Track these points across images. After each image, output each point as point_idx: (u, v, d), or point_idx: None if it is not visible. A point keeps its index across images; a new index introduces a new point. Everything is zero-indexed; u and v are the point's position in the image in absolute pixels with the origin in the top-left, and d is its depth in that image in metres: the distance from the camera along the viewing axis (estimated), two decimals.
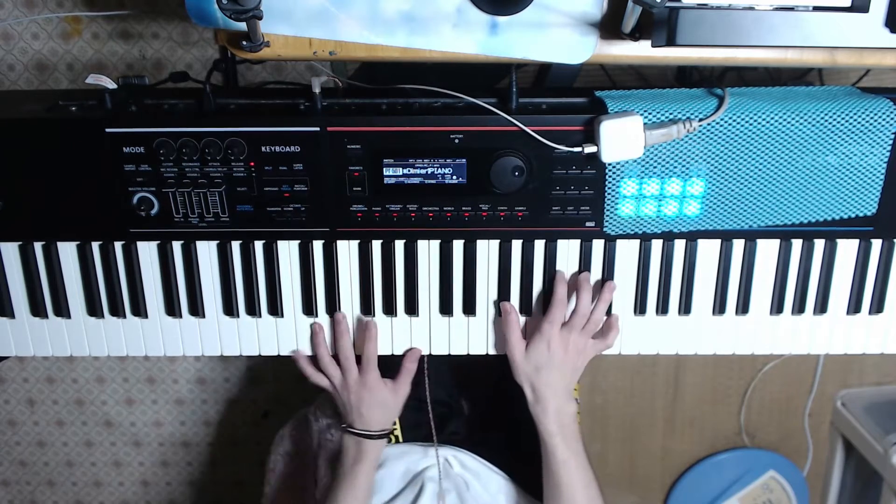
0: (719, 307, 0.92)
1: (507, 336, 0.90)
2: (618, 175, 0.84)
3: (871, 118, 0.81)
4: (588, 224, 0.87)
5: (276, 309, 0.91)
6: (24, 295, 0.92)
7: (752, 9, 0.68)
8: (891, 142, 0.83)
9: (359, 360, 0.94)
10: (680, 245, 0.89)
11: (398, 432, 1.12)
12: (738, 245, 0.89)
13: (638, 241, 0.89)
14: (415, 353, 0.94)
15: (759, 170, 0.83)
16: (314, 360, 0.95)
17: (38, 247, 0.90)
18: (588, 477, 0.91)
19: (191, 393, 1.86)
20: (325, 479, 1.17)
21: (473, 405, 1.21)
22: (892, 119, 0.81)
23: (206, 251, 0.90)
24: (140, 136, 0.82)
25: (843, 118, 0.81)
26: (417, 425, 1.07)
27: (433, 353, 0.95)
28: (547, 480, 0.92)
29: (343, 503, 0.93)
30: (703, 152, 0.83)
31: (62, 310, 0.91)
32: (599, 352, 0.92)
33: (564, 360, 0.88)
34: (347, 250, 0.89)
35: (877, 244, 0.90)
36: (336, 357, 0.94)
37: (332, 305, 0.92)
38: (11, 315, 0.92)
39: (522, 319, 0.92)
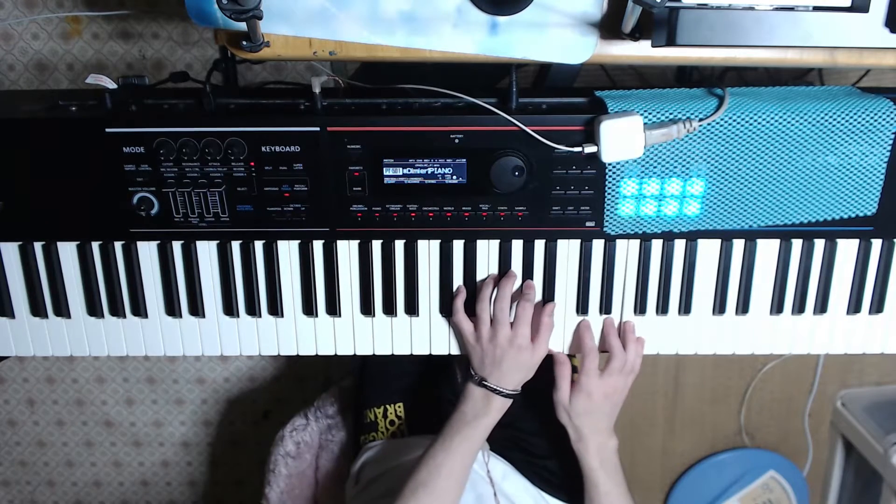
0: (719, 307, 0.92)
1: (558, 382, 0.92)
2: (618, 175, 0.84)
3: (871, 118, 0.81)
4: (588, 224, 0.87)
5: (276, 309, 0.91)
6: (24, 295, 0.92)
7: (752, 9, 0.68)
8: (891, 142, 0.83)
9: None
10: (680, 245, 0.89)
11: (403, 427, 1.12)
12: (738, 245, 0.89)
13: (638, 241, 0.89)
14: (550, 307, 0.91)
15: (759, 170, 0.83)
16: None
17: (38, 247, 0.90)
18: (626, 498, 0.94)
19: (191, 393, 1.86)
20: (326, 479, 1.17)
21: None
22: (892, 119, 0.81)
23: (206, 251, 0.90)
24: (140, 136, 0.82)
25: (843, 118, 0.81)
26: (427, 423, 1.07)
27: (434, 353, 0.94)
28: None
29: (456, 455, 0.89)
30: (703, 152, 0.83)
31: (62, 310, 0.92)
32: (634, 379, 0.94)
33: (604, 404, 0.92)
34: (347, 250, 0.89)
35: (877, 244, 0.90)
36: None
37: (332, 305, 0.91)
38: (11, 315, 0.92)
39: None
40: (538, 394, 1.12)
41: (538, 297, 0.91)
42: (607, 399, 0.91)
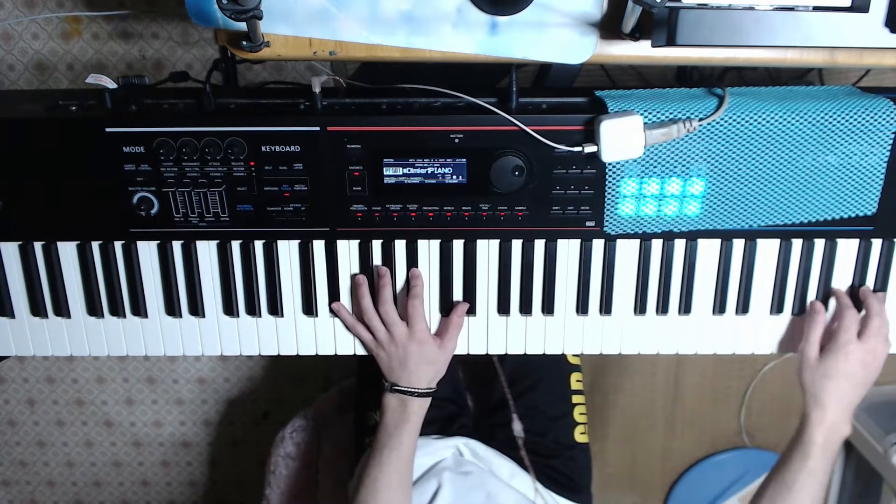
0: (719, 307, 0.92)
1: (808, 334, 0.87)
2: (618, 175, 0.84)
3: (871, 118, 0.81)
4: (588, 224, 0.87)
5: (276, 309, 0.91)
6: (24, 295, 0.91)
7: (752, 9, 0.68)
8: (891, 142, 0.83)
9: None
10: (680, 245, 0.89)
11: None
12: (738, 245, 0.89)
13: (638, 241, 0.89)
14: (462, 308, 0.91)
15: (759, 169, 0.83)
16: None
17: (38, 247, 0.90)
18: (821, 495, 0.88)
19: (191, 393, 1.86)
20: (327, 480, 1.17)
21: (478, 400, 1.22)
22: (892, 119, 0.81)
23: (206, 251, 0.90)
24: (140, 135, 0.82)
25: (843, 118, 0.81)
26: (429, 422, 1.08)
27: None
28: (780, 476, 0.89)
29: (388, 467, 0.88)
30: (703, 152, 0.83)
31: (62, 310, 0.91)
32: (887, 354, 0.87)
33: (859, 371, 0.85)
34: (347, 250, 0.89)
35: (877, 244, 0.90)
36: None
37: None
38: (11, 315, 0.92)
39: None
40: (541, 394, 1.12)
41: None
42: (863, 366, 0.84)
